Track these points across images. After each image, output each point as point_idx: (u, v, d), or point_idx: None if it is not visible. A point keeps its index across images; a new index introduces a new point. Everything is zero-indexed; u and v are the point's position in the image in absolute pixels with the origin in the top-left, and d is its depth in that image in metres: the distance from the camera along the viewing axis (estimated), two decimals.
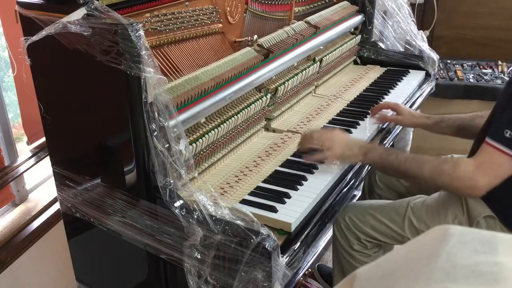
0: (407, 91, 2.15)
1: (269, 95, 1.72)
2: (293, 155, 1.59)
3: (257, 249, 1.11)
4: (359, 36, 2.45)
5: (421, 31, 2.47)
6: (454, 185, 1.39)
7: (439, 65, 3.02)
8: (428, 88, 2.29)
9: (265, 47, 1.72)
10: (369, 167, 1.64)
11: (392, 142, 1.90)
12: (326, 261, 2.33)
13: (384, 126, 1.87)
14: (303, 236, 1.26)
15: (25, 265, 1.77)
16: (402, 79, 2.27)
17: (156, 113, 1.15)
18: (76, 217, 1.44)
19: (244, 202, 1.35)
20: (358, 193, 2.23)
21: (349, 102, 2.04)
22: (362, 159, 1.52)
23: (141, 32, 1.09)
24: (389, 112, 1.88)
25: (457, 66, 3.24)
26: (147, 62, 1.10)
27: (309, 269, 2.16)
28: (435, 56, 2.36)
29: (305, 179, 1.45)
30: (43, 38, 1.17)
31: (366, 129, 1.81)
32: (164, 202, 1.19)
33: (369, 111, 1.91)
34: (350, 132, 1.76)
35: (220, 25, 1.67)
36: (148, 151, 1.19)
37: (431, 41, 3.25)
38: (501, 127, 1.33)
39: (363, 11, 2.44)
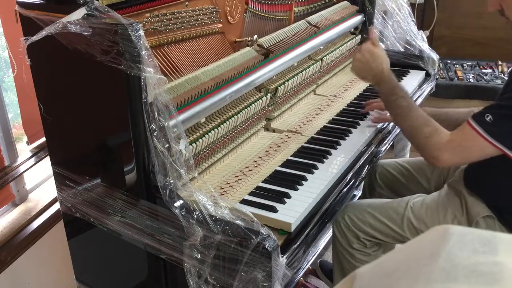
0: (408, 90, 2.15)
1: (269, 95, 1.72)
2: (293, 155, 1.60)
3: (257, 249, 1.11)
4: (359, 36, 2.45)
5: (421, 31, 2.47)
6: (422, 149, 1.47)
7: (439, 65, 3.02)
8: (428, 88, 2.29)
9: (265, 47, 1.72)
10: (369, 167, 1.65)
11: (392, 142, 1.90)
12: (327, 258, 2.32)
13: (384, 126, 1.87)
14: (303, 236, 1.26)
15: (25, 265, 1.77)
16: (402, 79, 2.27)
17: (156, 113, 1.15)
18: (76, 217, 1.44)
19: (244, 202, 1.35)
20: (358, 193, 2.23)
21: (349, 102, 2.04)
22: (375, 85, 1.67)
23: (141, 32, 1.09)
24: (387, 113, 1.88)
25: (457, 66, 3.24)
26: (147, 62, 1.10)
27: (310, 266, 2.15)
28: (435, 56, 2.36)
29: (305, 179, 1.45)
30: (43, 38, 1.17)
31: (366, 129, 1.81)
32: (164, 202, 1.19)
33: (365, 105, 1.93)
34: (350, 132, 1.77)
35: (220, 25, 1.67)
36: (148, 151, 1.19)
37: (431, 41, 3.25)
38: (484, 111, 1.37)
39: (363, 11, 2.44)
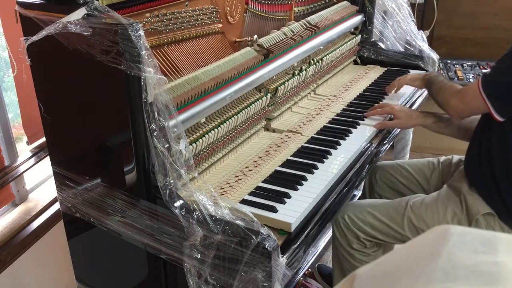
0: (407, 91, 2.15)
1: (269, 95, 1.72)
2: (293, 155, 1.60)
3: (257, 249, 1.11)
4: (359, 36, 2.45)
5: (421, 31, 2.47)
6: (442, 100, 1.67)
7: (439, 65, 3.01)
8: None
9: (265, 47, 1.72)
10: (369, 167, 1.64)
11: (392, 142, 1.90)
12: (326, 261, 2.33)
13: None
14: (303, 236, 1.26)
15: (25, 265, 1.77)
16: None
17: (156, 113, 1.15)
18: (76, 217, 1.44)
19: (244, 202, 1.35)
20: (358, 193, 2.23)
21: (349, 102, 2.04)
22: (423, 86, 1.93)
23: (141, 32, 1.09)
24: (386, 117, 1.87)
25: (457, 66, 3.24)
26: (147, 62, 1.10)
27: (309, 269, 2.16)
28: (435, 56, 2.36)
29: (305, 179, 1.45)
30: (43, 38, 1.17)
31: (366, 129, 1.81)
32: (164, 202, 1.19)
33: (364, 116, 1.90)
34: (350, 132, 1.76)
35: (220, 25, 1.67)
36: (148, 151, 1.19)
37: (431, 41, 3.25)
38: (491, 70, 1.53)
39: (363, 11, 2.44)
